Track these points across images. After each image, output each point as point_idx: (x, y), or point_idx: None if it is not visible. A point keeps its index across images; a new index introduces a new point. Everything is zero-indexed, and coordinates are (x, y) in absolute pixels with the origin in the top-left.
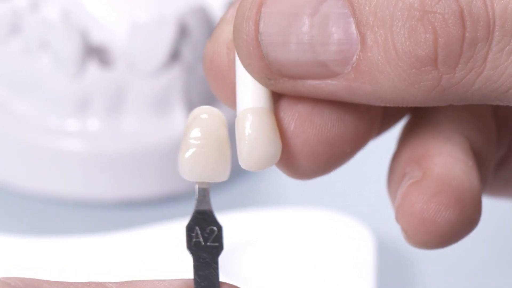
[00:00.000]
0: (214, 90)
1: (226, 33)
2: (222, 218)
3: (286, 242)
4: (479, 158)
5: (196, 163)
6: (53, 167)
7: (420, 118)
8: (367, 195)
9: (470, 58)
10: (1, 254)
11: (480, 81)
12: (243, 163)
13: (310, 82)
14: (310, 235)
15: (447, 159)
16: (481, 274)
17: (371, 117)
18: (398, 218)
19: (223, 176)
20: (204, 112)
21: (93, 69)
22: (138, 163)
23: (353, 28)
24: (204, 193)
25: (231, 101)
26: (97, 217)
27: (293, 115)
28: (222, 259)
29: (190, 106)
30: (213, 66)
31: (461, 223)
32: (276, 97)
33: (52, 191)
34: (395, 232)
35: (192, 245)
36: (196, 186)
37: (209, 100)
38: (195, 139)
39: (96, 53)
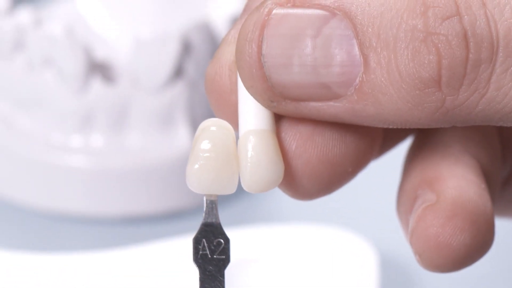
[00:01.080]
0: (216, 112)
1: (228, 54)
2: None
3: (290, 259)
4: (487, 179)
5: (204, 175)
6: (57, 183)
7: (427, 139)
8: (371, 211)
9: (474, 79)
10: (5, 271)
11: (483, 103)
12: (246, 185)
13: (313, 104)
14: (313, 251)
15: (460, 182)
16: None
17: (372, 137)
18: (412, 242)
19: (231, 188)
20: (213, 124)
21: (97, 85)
22: (141, 179)
23: (356, 49)
24: (212, 206)
25: (233, 122)
26: (101, 233)
27: (294, 135)
28: (225, 275)
29: (194, 122)
30: (215, 88)
31: (476, 246)
32: (277, 117)
33: (56, 207)
34: (399, 248)
35: (199, 258)
36: (204, 199)
37: (213, 116)
38: (204, 151)
39: (99, 69)
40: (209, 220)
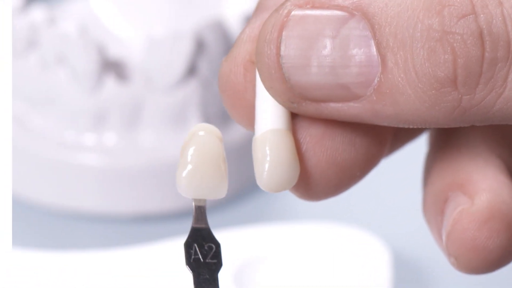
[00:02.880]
0: (230, 110)
1: (242, 53)
2: (237, 233)
3: (302, 257)
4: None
5: (192, 180)
6: (69, 181)
7: (448, 140)
8: (383, 209)
9: (490, 78)
10: (18, 269)
11: (501, 102)
12: (263, 184)
13: (333, 105)
14: (326, 249)
15: (493, 183)
16: None
17: (381, 140)
18: (448, 245)
19: (220, 193)
20: (201, 129)
21: (110, 83)
22: (154, 177)
23: (374, 50)
24: (200, 210)
25: (246, 121)
26: (114, 232)
27: (304, 137)
28: (236, 274)
29: (207, 120)
30: (229, 86)
31: (511, 247)
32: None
33: (69, 205)
34: (411, 246)
35: (192, 262)
36: (193, 203)
37: (226, 115)
38: (192, 156)
39: (113, 67)
40: (198, 225)
